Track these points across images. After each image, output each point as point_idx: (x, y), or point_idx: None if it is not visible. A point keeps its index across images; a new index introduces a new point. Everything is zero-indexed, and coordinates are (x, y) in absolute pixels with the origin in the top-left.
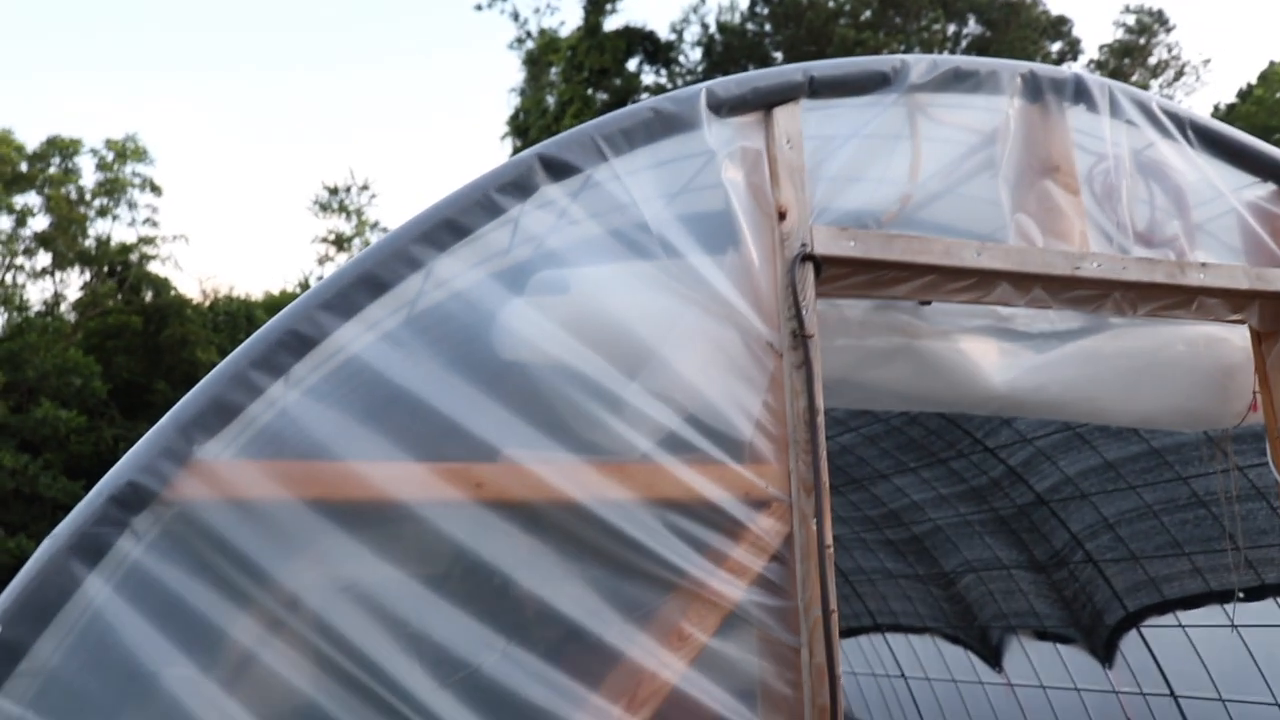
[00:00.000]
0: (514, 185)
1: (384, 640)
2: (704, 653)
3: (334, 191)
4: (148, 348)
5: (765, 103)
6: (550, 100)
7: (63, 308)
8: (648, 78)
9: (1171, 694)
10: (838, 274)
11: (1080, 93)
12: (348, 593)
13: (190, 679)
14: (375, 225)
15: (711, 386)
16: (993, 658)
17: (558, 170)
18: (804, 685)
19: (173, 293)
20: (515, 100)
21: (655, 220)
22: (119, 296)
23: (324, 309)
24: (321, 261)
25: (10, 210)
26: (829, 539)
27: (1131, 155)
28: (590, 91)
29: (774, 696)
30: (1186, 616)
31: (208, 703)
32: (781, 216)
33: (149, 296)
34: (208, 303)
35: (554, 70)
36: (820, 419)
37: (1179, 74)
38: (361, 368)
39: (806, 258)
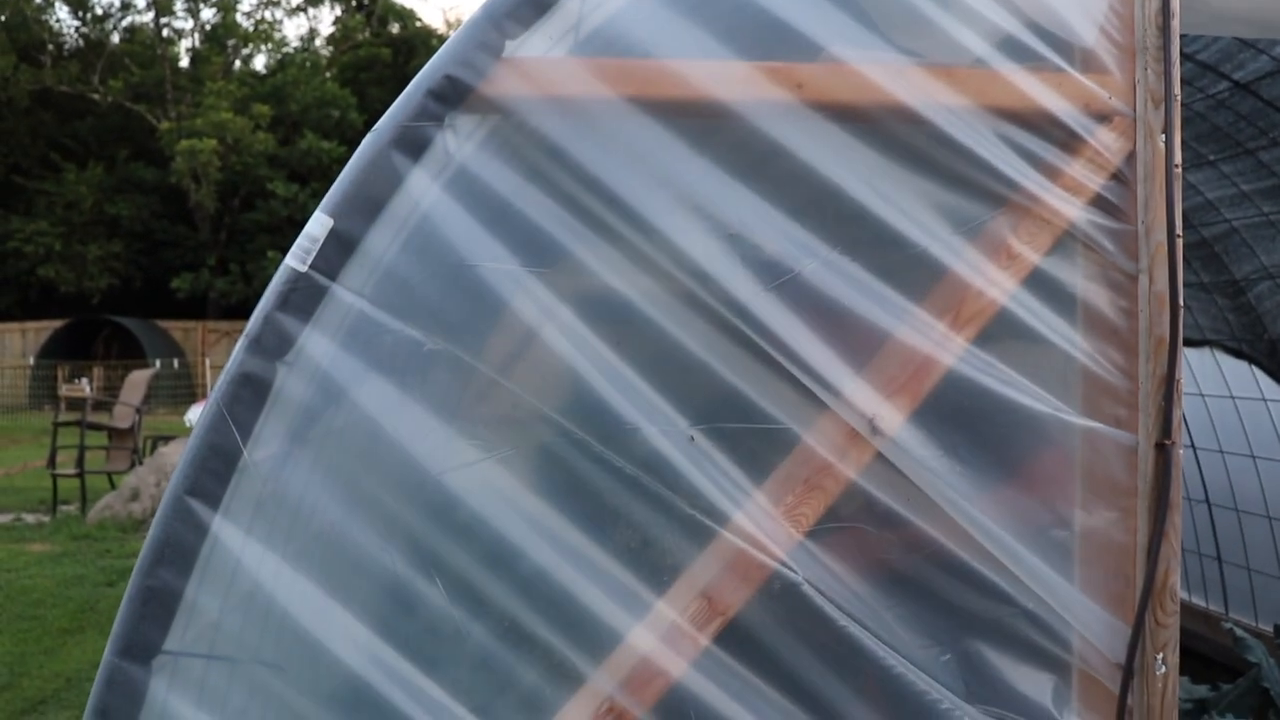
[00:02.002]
0: None
1: (705, 241)
2: (1033, 274)
3: None
4: (397, 79)
5: None
6: None
7: (317, 43)
8: None
9: None
10: None
11: None
12: (669, 192)
13: (512, 275)
14: None
15: None
16: None
17: None
18: (1141, 314)
19: (418, 24)
20: None
21: None
22: (368, 30)
23: None
24: None
25: None
26: (1178, 158)
27: None
28: None
29: (1106, 325)
30: None
31: (530, 298)
32: None
33: (396, 29)
34: (451, 32)
35: None
36: (1175, 22)
37: None
38: None
39: None
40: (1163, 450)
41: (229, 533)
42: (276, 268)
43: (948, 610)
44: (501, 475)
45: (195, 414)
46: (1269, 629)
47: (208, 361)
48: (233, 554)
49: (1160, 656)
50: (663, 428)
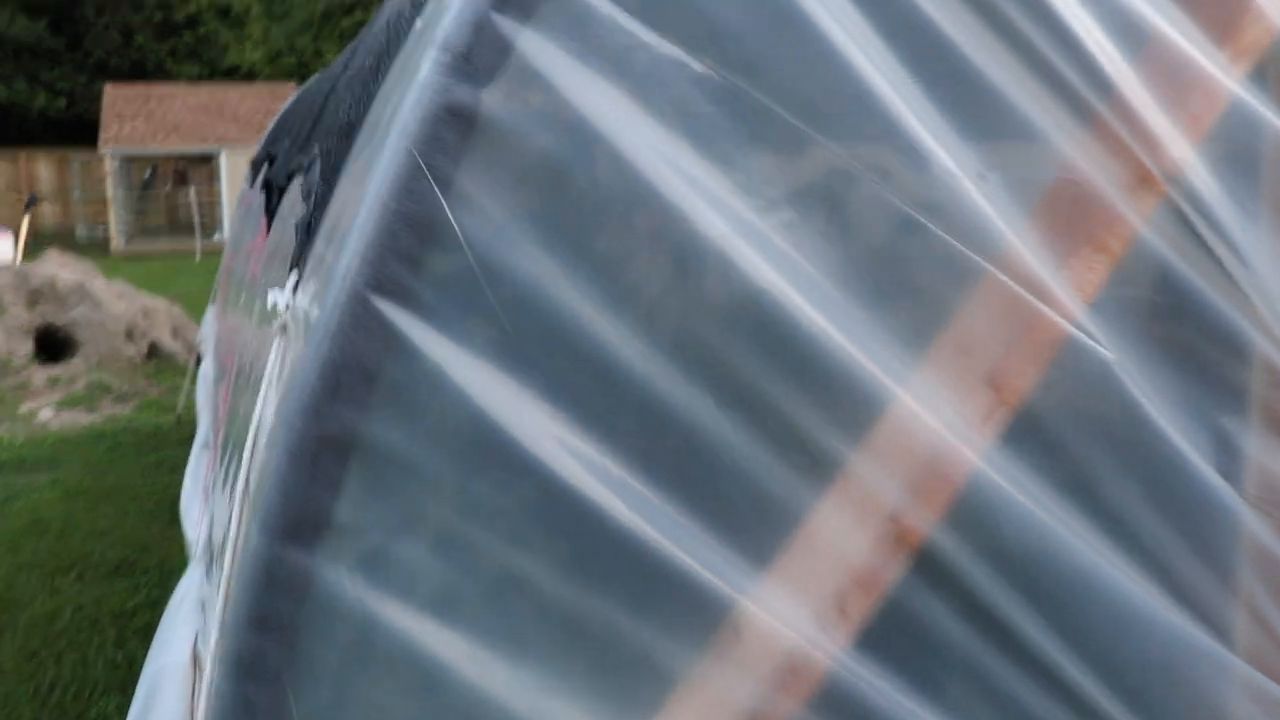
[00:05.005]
0: None
1: None
2: None
3: None
4: None
5: None
6: None
7: None
8: None
9: None
10: None
11: None
12: None
13: None
14: None
15: None
16: None
17: None
18: None
19: None
20: None
21: None
22: None
23: None
24: None
25: None
26: None
27: None
28: None
29: None
30: None
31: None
32: None
33: None
34: None
35: None
36: None
37: None
38: None
39: None
40: None
41: (428, 338)
42: None
43: (1212, 383)
44: (782, 240)
45: None
46: None
47: None
48: (433, 365)
49: None
50: (958, 161)
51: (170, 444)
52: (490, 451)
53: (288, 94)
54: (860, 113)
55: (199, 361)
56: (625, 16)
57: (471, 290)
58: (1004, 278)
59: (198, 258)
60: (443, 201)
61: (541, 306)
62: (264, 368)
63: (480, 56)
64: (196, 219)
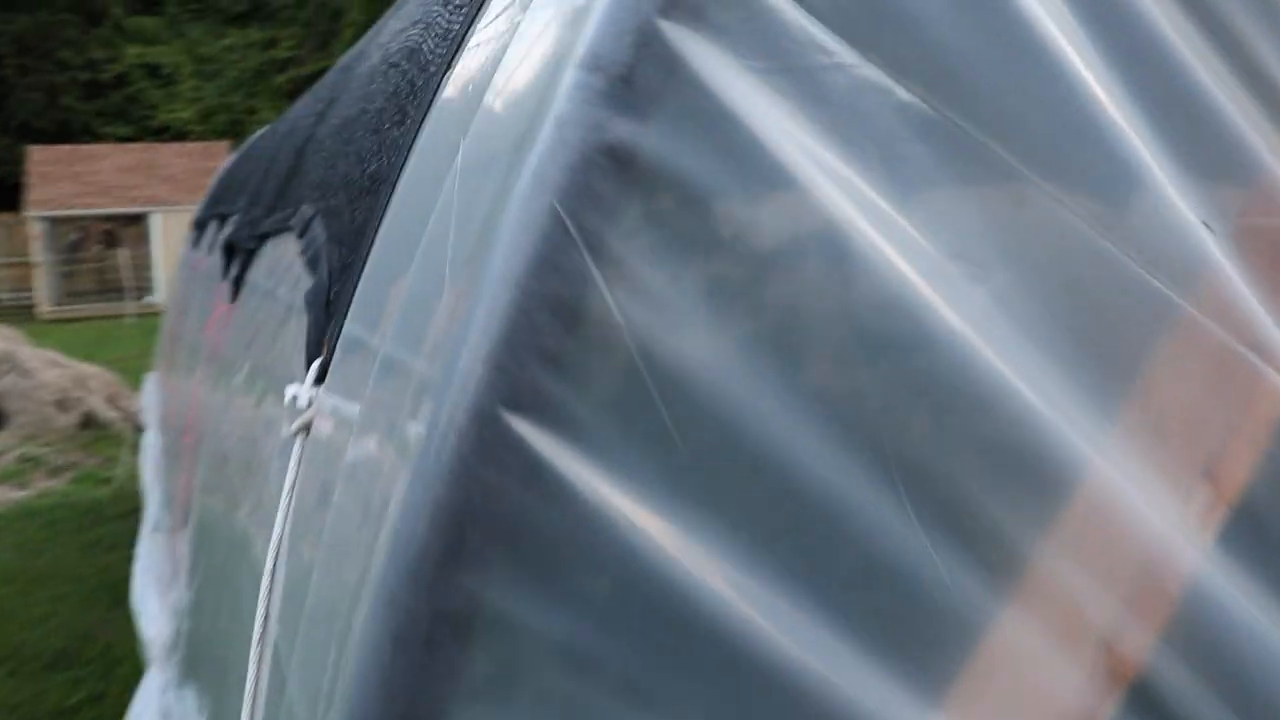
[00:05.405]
0: None
1: None
2: None
3: None
4: None
5: None
6: None
7: None
8: None
9: None
10: None
11: None
12: None
13: None
14: None
15: None
16: None
17: None
18: None
19: None
20: None
21: None
22: None
23: None
24: None
25: None
26: None
27: None
28: None
29: None
30: None
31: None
32: None
33: None
34: None
35: None
36: None
37: None
38: None
39: None
40: None
41: (583, 470)
42: None
43: None
44: (996, 314)
45: None
46: None
47: None
48: (590, 506)
49: None
50: (1189, 207)
51: (109, 519)
52: (664, 622)
53: (222, 152)
54: (1094, 152)
55: (141, 431)
56: (818, 27)
57: (636, 400)
58: (1238, 346)
59: (129, 320)
60: (599, 278)
61: (724, 415)
62: (266, 463)
63: (644, 78)
64: (128, 282)
